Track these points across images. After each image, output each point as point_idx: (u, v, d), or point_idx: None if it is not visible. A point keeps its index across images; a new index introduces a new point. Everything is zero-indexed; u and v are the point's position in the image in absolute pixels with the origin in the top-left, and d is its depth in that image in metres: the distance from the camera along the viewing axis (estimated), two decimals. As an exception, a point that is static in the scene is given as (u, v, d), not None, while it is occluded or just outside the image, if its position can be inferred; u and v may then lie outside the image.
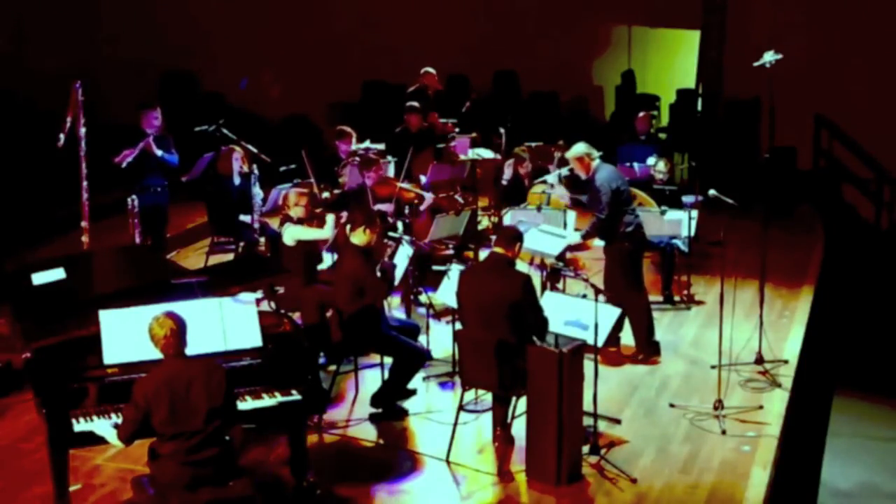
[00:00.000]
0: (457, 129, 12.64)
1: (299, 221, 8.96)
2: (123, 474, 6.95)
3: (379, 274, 8.09)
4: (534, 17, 15.55)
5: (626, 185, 8.98)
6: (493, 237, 7.77)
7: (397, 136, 12.05)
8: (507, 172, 11.81)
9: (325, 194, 10.45)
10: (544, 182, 11.04)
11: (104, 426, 5.97)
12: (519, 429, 7.38)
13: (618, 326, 8.85)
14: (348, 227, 8.16)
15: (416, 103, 12.28)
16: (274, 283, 8.76)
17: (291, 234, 8.86)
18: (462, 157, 11.84)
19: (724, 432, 7.71)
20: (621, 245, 8.87)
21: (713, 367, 8.43)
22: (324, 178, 10.74)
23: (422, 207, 10.75)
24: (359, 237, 7.97)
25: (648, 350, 8.98)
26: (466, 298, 7.33)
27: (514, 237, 7.38)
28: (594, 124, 15.55)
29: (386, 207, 10.35)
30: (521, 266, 10.08)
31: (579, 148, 9.00)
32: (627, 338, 9.08)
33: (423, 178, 11.46)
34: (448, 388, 8.47)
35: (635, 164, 11.49)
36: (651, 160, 11.00)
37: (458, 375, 7.99)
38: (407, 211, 10.76)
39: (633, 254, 8.96)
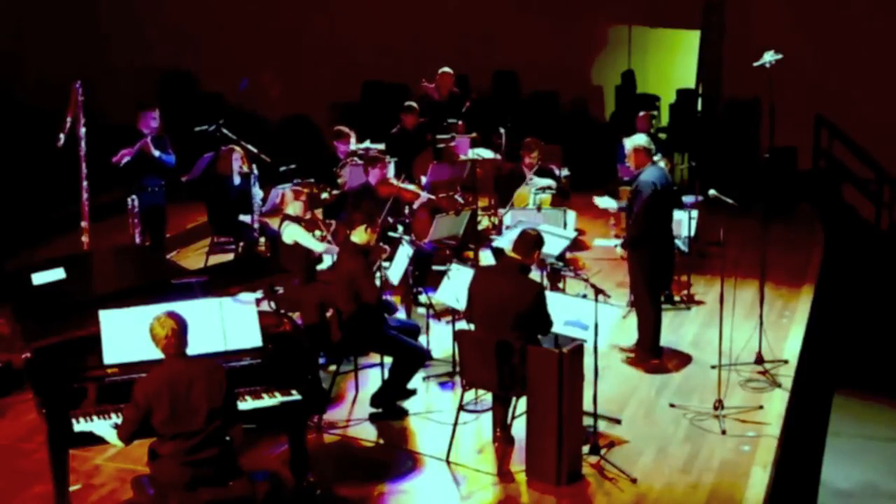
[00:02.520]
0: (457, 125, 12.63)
1: (298, 220, 8.97)
2: (123, 474, 6.95)
3: (378, 283, 8.08)
4: (533, 18, 15.53)
5: (669, 188, 8.87)
6: (494, 236, 7.72)
7: (394, 136, 12.04)
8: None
9: (324, 195, 10.46)
10: (526, 185, 11.06)
11: (104, 426, 5.97)
12: (519, 429, 7.38)
13: (656, 337, 8.86)
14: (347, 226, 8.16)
15: (413, 103, 12.26)
16: (274, 283, 8.77)
17: (291, 234, 8.87)
18: (462, 157, 11.83)
19: (724, 432, 7.72)
20: (648, 250, 8.80)
21: (713, 367, 8.43)
22: (323, 179, 10.75)
23: (415, 205, 10.75)
24: (359, 236, 7.97)
25: (651, 352, 8.96)
26: (476, 297, 7.32)
27: (532, 244, 7.27)
28: (594, 124, 15.55)
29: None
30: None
31: (640, 140, 8.87)
32: (630, 337, 9.10)
33: (423, 179, 11.47)
34: (448, 388, 8.47)
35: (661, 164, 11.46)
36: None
37: (458, 375, 8.00)
38: (407, 211, 10.77)
39: (656, 260, 8.90)
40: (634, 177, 8.85)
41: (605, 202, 9.59)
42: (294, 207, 9.04)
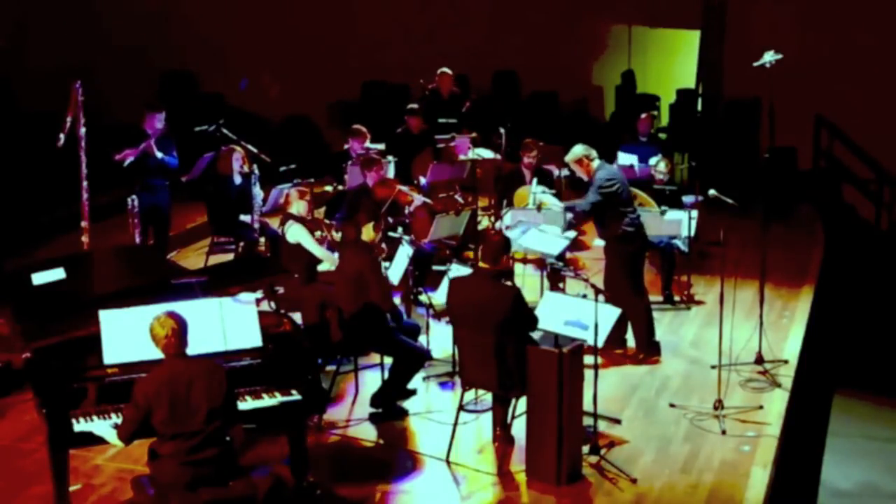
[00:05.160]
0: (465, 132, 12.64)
1: (302, 220, 8.96)
2: (123, 474, 6.95)
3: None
4: (533, 18, 15.55)
5: (623, 184, 8.94)
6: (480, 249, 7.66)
7: (398, 136, 12.04)
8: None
9: (328, 188, 10.48)
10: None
11: (104, 426, 5.97)
12: (519, 429, 7.39)
13: (622, 328, 8.87)
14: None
15: (416, 105, 12.26)
16: (274, 283, 8.76)
17: (294, 234, 8.84)
18: (462, 157, 11.83)
19: (724, 432, 7.72)
20: (622, 246, 8.86)
21: (713, 367, 8.43)
22: (328, 174, 10.78)
23: (410, 208, 10.76)
24: (367, 233, 7.97)
25: (649, 350, 8.98)
26: (457, 308, 7.31)
27: (499, 250, 7.21)
28: (594, 124, 15.55)
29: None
30: (517, 266, 10.14)
31: (577, 150, 8.92)
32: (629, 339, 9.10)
33: (422, 179, 11.46)
34: (448, 388, 8.47)
35: (635, 165, 11.49)
36: (653, 160, 11.00)
37: (458, 375, 8.00)
38: (407, 212, 10.77)
39: (634, 255, 8.95)
40: (590, 181, 8.88)
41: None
42: (298, 207, 9.03)
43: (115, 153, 10.17)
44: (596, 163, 8.86)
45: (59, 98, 9.75)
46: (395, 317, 8.04)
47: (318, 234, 9.26)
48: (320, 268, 9.19)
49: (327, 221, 10.28)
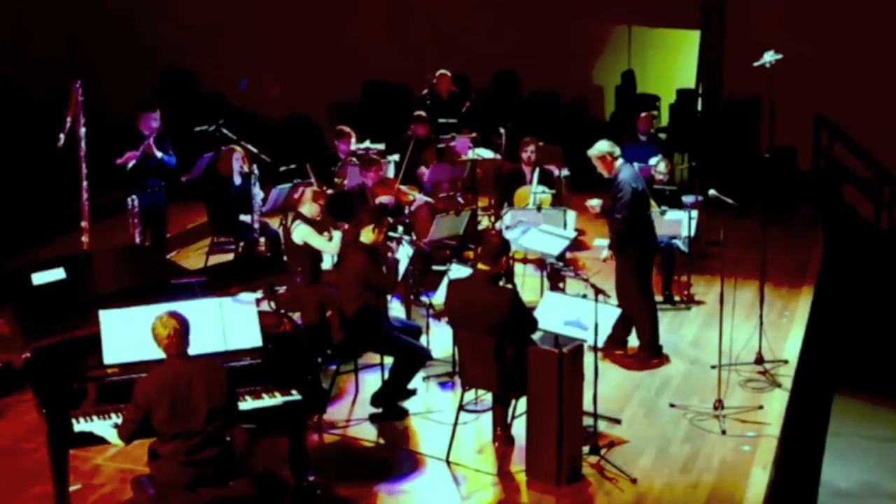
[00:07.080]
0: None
1: (309, 221, 8.92)
2: (123, 474, 6.96)
3: (384, 270, 8.09)
4: (534, 17, 15.54)
5: (644, 187, 8.90)
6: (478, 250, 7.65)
7: (405, 140, 12.00)
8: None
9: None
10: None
11: (104, 426, 5.97)
12: (519, 429, 7.39)
13: (625, 329, 8.86)
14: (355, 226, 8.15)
15: (423, 113, 12.21)
16: (274, 283, 8.74)
17: (301, 234, 8.82)
18: (462, 157, 11.82)
19: (724, 432, 7.72)
20: (633, 250, 8.82)
21: (713, 367, 8.43)
22: (321, 177, 10.78)
23: (412, 207, 10.75)
24: (367, 236, 7.96)
25: (652, 352, 8.97)
26: (455, 310, 7.31)
27: (498, 251, 7.20)
28: (594, 124, 15.54)
29: (387, 199, 10.38)
30: (517, 266, 10.14)
31: (602, 146, 8.84)
32: (632, 340, 9.10)
33: (422, 170, 11.45)
34: (448, 388, 8.47)
35: (635, 164, 11.47)
36: (654, 160, 11.00)
37: (458, 375, 8.00)
38: (407, 211, 10.77)
39: (644, 258, 8.91)
40: (611, 179, 8.84)
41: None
42: (310, 209, 8.99)
43: (115, 158, 10.18)
44: (619, 161, 8.81)
45: (59, 98, 9.75)
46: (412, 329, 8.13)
47: (325, 235, 9.25)
48: (324, 267, 9.17)
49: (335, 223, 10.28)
